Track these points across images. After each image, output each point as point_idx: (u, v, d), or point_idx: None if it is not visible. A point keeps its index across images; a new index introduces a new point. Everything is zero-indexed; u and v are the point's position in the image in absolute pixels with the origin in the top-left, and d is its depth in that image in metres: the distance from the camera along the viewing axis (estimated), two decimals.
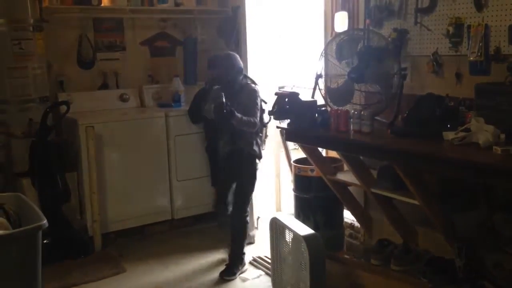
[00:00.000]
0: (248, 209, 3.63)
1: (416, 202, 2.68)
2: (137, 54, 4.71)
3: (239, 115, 3.32)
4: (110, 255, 3.84)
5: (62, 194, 3.83)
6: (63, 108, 3.87)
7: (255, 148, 3.52)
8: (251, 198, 3.66)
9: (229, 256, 3.60)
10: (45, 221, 2.14)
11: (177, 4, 4.67)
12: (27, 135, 3.80)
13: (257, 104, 3.48)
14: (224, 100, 3.26)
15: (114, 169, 4.02)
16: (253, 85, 3.56)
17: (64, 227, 3.76)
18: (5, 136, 3.76)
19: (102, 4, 4.33)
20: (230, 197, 3.62)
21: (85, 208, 3.94)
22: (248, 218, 3.63)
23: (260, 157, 3.58)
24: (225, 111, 3.25)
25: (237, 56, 3.54)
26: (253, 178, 3.58)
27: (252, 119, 3.40)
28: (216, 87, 3.55)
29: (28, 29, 3.84)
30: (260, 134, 3.60)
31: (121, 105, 4.44)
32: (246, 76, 3.60)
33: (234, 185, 3.60)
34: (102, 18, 4.51)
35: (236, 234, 3.60)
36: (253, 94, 3.49)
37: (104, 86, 4.55)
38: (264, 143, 3.71)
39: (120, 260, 3.74)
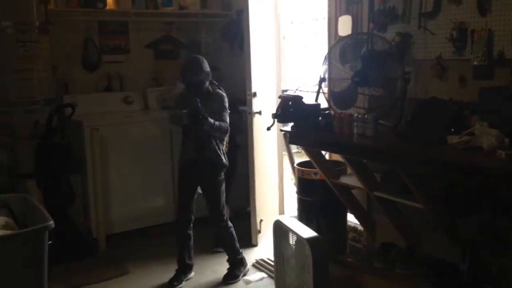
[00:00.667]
0: (225, 213, 3.56)
1: (419, 205, 2.68)
2: (141, 57, 4.74)
3: (211, 120, 3.26)
4: (114, 256, 3.85)
5: (67, 196, 3.86)
6: (68, 110, 3.89)
7: (222, 157, 3.44)
8: (224, 204, 3.53)
9: (228, 261, 3.59)
10: (51, 222, 2.15)
11: (181, 8, 4.71)
12: (32, 137, 3.83)
13: (226, 109, 3.43)
14: (199, 105, 3.20)
15: (118, 171, 4.05)
16: (220, 90, 3.48)
17: (69, 228, 3.78)
18: (11, 138, 3.78)
19: (107, 7, 4.36)
20: (193, 207, 3.53)
21: (89, 209, 3.96)
22: (229, 223, 3.55)
23: (226, 167, 3.49)
24: (200, 116, 3.19)
25: (204, 59, 3.42)
26: (221, 185, 3.48)
27: (224, 124, 3.36)
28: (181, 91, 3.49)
29: (33, 31, 3.88)
30: (224, 142, 3.52)
31: (125, 108, 4.47)
32: (212, 81, 3.47)
33: (196, 194, 3.51)
34: (107, 21, 4.54)
35: (224, 242, 3.58)
36: (223, 99, 3.43)
37: (109, 89, 4.58)
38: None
39: (124, 262, 3.75)
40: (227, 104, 3.45)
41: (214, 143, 3.39)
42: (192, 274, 3.58)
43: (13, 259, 2.11)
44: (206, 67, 3.38)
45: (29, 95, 3.88)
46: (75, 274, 3.55)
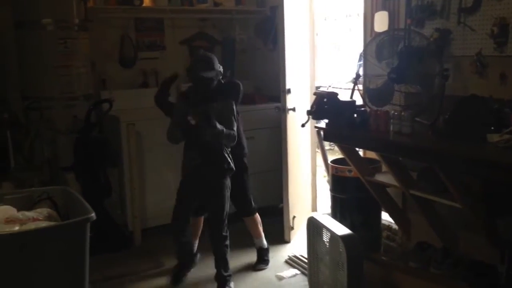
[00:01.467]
0: (227, 229, 3.27)
1: (457, 205, 2.64)
2: (176, 53, 4.80)
3: (220, 126, 3.03)
4: (149, 250, 3.93)
5: (104, 189, 3.95)
6: (106, 105, 3.98)
7: (230, 161, 3.20)
8: (227, 212, 3.28)
9: (216, 278, 3.33)
10: (93, 214, 2.21)
11: (216, 4, 4.74)
12: (71, 131, 3.93)
13: (234, 114, 3.17)
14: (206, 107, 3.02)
15: (154, 166, 4.11)
16: (231, 86, 3.22)
17: (106, 221, 3.87)
18: (51, 132, 3.89)
19: (144, 5, 4.43)
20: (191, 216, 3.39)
21: (126, 203, 4.05)
22: (227, 240, 3.27)
23: (233, 171, 3.24)
24: (210, 120, 2.98)
25: (216, 58, 3.19)
26: (226, 192, 3.24)
27: (232, 132, 3.11)
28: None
29: (73, 28, 3.97)
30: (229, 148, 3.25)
31: None
32: (220, 81, 3.21)
33: (195, 202, 3.35)
34: (144, 18, 4.62)
35: (218, 254, 3.28)
36: (231, 102, 3.18)
37: (144, 85, 4.66)
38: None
39: (158, 255, 3.82)
40: (235, 108, 3.21)
41: (221, 146, 3.17)
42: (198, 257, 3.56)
43: (56, 249, 2.18)
44: (218, 65, 3.18)
45: (69, 90, 3.97)
46: (112, 266, 3.64)
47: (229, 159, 3.22)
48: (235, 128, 3.15)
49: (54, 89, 3.93)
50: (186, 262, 3.51)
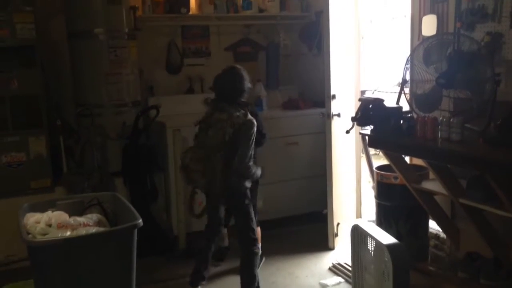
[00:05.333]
0: (258, 242, 3.22)
1: (509, 214, 2.54)
2: (221, 59, 4.86)
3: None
4: (193, 254, 3.98)
5: (151, 194, 4.05)
6: (153, 112, 4.08)
7: (246, 183, 3.11)
8: (255, 223, 3.23)
9: None
10: (140, 220, 2.28)
11: (261, 10, 4.77)
12: (120, 137, 4.04)
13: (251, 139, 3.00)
14: None
15: None
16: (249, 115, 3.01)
17: (152, 225, 3.96)
18: (102, 138, 4.01)
19: (190, 12, 4.51)
20: (222, 214, 3.34)
21: (171, 208, 4.12)
22: (259, 252, 3.20)
23: (248, 189, 3.14)
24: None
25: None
26: (248, 208, 3.16)
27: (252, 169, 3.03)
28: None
29: (123, 37, 4.09)
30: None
31: (206, 109, 4.58)
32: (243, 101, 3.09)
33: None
34: (190, 26, 4.72)
35: (248, 269, 3.16)
36: (251, 127, 2.99)
37: (190, 91, 4.74)
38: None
39: None
40: (253, 135, 3.03)
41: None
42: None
43: (105, 253, 2.26)
44: (247, 82, 3.10)
45: (119, 97, 4.10)
46: (156, 269, 3.72)
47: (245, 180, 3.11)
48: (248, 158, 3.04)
49: (104, 96, 4.06)
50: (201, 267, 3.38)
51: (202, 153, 3.01)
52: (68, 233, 2.27)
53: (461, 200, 2.83)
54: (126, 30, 4.11)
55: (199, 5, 4.57)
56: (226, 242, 3.91)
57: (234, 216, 3.26)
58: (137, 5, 4.24)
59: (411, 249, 3.02)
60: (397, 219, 3.35)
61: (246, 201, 3.14)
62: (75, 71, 4.16)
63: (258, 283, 3.20)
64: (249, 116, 3.01)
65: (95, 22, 3.99)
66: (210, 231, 3.38)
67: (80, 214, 2.52)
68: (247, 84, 3.13)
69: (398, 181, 3.28)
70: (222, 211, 3.35)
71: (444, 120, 2.76)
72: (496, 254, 2.86)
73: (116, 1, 4.01)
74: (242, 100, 3.09)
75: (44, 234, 2.31)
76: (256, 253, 3.18)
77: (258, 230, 3.62)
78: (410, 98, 3.16)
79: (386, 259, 2.71)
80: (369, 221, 3.69)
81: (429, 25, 3.28)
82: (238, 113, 2.99)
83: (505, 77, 2.81)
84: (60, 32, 4.17)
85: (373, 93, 4.49)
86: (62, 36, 4.17)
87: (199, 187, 3.18)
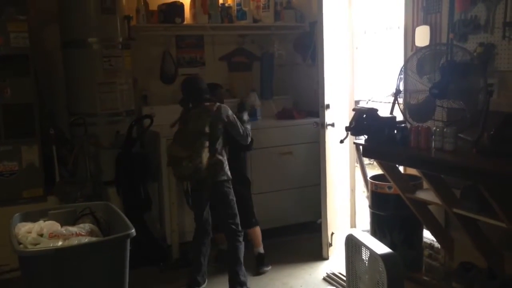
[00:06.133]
0: (240, 228, 3.47)
1: (502, 224, 2.54)
2: (215, 69, 4.87)
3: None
4: (187, 264, 3.95)
5: (144, 203, 4.03)
6: (147, 121, 4.07)
7: (226, 170, 3.42)
8: (237, 216, 3.48)
9: (235, 284, 3.44)
10: (133, 230, 2.26)
11: (255, 21, 4.79)
12: (114, 147, 4.03)
13: None
14: None
15: None
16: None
17: (145, 235, 3.93)
18: (95, 147, 4.00)
19: (185, 22, 4.52)
20: (207, 215, 3.54)
21: (164, 217, 4.10)
22: (241, 238, 3.46)
23: (230, 179, 3.45)
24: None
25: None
26: (231, 197, 3.46)
27: None
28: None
29: (117, 46, 4.09)
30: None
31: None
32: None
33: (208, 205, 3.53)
34: (184, 35, 4.73)
35: (236, 259, 3.45)
36: (226, 110, 3.55)
37: None
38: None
39: None
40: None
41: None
42: None
43: (97, 263, 2.23)
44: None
45: (112, 106, 4.09)
46: (150, 279, 3.70)
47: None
48: None
49: (98, 105, 4.05)
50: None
51: (186, 141, 3.33)
52: (60, 243, 2.25)
53: (455, 210, 2.83)
54: (120, 39, 4.11)
55: (194, 15, 4.58)
56: (225, 245, 3.89)
57: (217, 207, 3.49)
58: (131, 15, 4.25)
59: (405, 259, 3.01)
60: (391, 229, 3.34)
61: (226, 188, 3.40)
62: (68, 80, 4.16)
63: (244, 274, 3.43)
64: (219, 104, 3.45)
65: (89, 31, 4.00)
66: (199, 233, 3.54)
67: (73, 223, 2.50)
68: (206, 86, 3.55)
69: (392, 191, 3.28)
70: (207, 210, 3.53)
71: (438, 130, 2.77)
72: (490, 264, 2.85)
73: (110, 10, 4.02)
74: (207, 96, 3.47)
75: (36, 244, 2.29)
76: (240, 242, 3.45)
77: (258, 230, 3.77)
78: (404, 108, 3.18)
79: (381, 269, 2.70)
80: (363, 230, 3.68)
81: (422, 36, 3.30)
82: (208, 104, 3.44)
83: (497, 88, 2.83)
84: (54, 41, 4.18)
85: (367, 103, 4.51)
86: (56, 45, 4.17)
87: (186, 176, 3.37)
